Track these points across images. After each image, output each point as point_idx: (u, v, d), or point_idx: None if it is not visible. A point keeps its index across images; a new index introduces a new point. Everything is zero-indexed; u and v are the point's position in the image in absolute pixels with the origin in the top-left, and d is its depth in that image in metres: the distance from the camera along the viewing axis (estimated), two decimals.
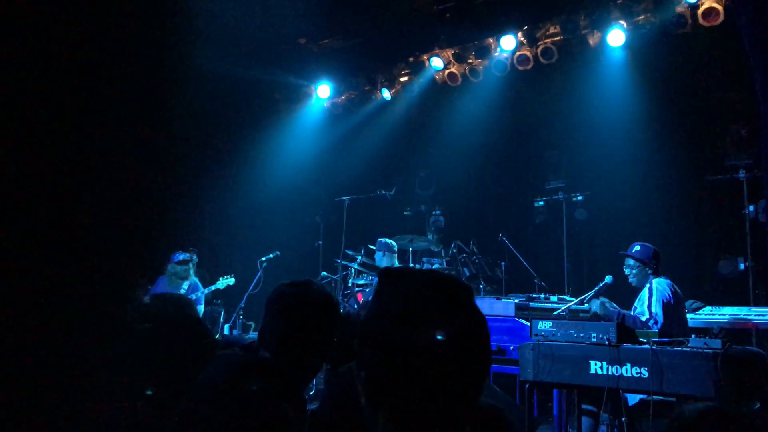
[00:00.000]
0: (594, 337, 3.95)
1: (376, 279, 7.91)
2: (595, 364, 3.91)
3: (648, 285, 5.11)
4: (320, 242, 9.49)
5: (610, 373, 3.85)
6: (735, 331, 5.39)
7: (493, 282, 7.72)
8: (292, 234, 9.65)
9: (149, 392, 1.99)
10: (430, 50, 8.94)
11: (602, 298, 5.20)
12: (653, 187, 7.74)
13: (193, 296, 7.57)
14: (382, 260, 7.69)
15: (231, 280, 7.89)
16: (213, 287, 7.82)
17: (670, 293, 4.98)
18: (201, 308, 7.65)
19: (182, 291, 7.53)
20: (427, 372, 1.10)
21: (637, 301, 5.19)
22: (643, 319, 4.94)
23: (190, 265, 7.68)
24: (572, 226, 8.16)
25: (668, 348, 3.72)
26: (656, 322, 4.88)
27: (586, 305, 5.40)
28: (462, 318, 1.13)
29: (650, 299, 4.99)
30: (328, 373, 2.00)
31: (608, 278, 5.32)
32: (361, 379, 1.14)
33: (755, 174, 6.50)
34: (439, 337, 1.10)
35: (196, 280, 7.80)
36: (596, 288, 5.29)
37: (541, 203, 8.48)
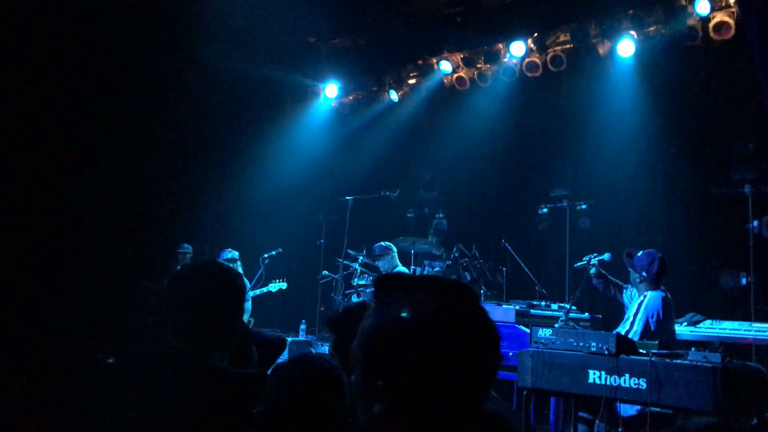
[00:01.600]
0: (593, 346, 3.94)
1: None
2: (594, 373, 3.91)
3: (642, 296, 5.09)
4: (322, 241, 9.50)
5: (608, 383, 3.85)
6: (734, 346, 5.38)
7: (494, 287, 7.71)
8: (295, 232, 9.66)
9: None
10: (439, 53, 8.96)
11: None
12: (658, 199, 7.73)
13: None
14: (382, 263, 7.71)
15: (284, 284, 7.91)
16: (264, 289, 7.85)
17: (660, 309, 4.94)
18: (248, 306, 7.77)
19: None
20: (446, 378, 1.11)
21: (630, 306, 5.21)
22: (623, 331, 4.92)
23: (238, 263, 7.74)
24: (575, 235, 8.13)
25: (668, 360, 3.72)
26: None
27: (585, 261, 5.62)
28: (473, 321, 1.14)
29: (636, 314, 4.97)
30: (274, 371, 1.96)
31: (606, 255, 5.44)
32: (379, 388, 1.13)
33: (761, 189, 6.48)
34: (455, 342, 1.11)
35: (245, 279, 7.88)
36: (593, 256, 5.45)
37: (544, 210, 8.46)
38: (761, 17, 2.72)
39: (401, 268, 7.64)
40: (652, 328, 4.82)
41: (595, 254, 5.57)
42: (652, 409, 3.98)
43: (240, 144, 9.69)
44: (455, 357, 1.12)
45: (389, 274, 1.26)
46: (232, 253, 7.82)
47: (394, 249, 7.72)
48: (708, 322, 5.43)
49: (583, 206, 8.16)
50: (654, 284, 5.06)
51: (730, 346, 5.29)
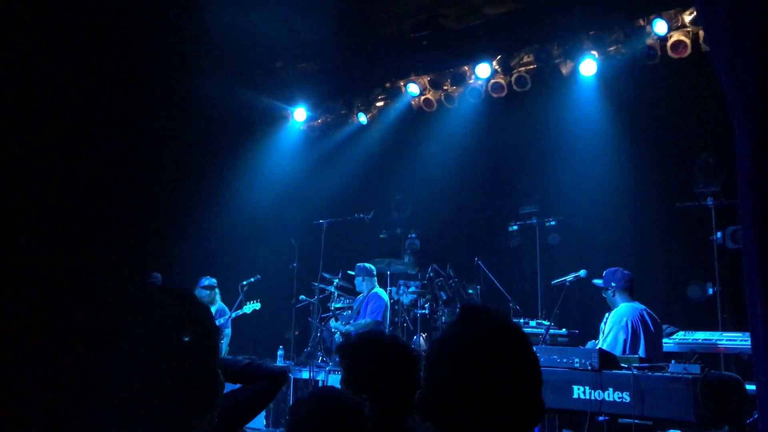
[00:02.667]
0: (577, 362, 4.04)
1: (354, 302, 7.96)
2: (578, 388, 4.01)
3: (613, 310, 5.28)
4: (295, 264, 9.49)
5: (592, 397, 3.94)
6: (705, 356, 5.54)
7: None
8: (269, 257, 9.62)
9: None
10: (406, 76, 9.08)
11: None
12: (624, 213, 7.92)
13: (222, 320, 7.66)
14: (362, 285, 7.73)
15: (257, 305, 7.93)
16: (240, 311, 7.85)
17: (627, 314, 5.10)
18: (228, 332, 7.78)
19: None
20: (469, 402, 1.17)
21: (602, 323, 5.36)
22: (620, 345, 5.04)
23: (216, 290, 7.75)
24: (545, 250, 8.30)
25: (649, 373, 3.83)
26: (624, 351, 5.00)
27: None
28: (509, 361, 1.21)
29: (616, 326, 5.10)
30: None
31: (582, 272, 5.61)
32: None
33: (723, 202, 6.72)
34: (481, 375, 1.17)
35: (224, 305, 7.87)
36: (570, 276, 5.58)
37: (515, 227, 8.60)
38: (727, 45, 2.84)
39: (378, 290, 7.68)
40: (631, 330, 4.94)
41: (572, 274, 5.74)
42: (627, 420, 4.08)
43: (208, 170, 9.63)
44: (478, 386, 1.18)
45: (470, 306, 1.35)
46: (210, 280, 7.80)
47: (374, 271, 7.77)
48: (681, 333, 5.60)
49: (552, 222, 8.33)
50: (626, 292, 5.27)
51: (701, 356, 5.44)
